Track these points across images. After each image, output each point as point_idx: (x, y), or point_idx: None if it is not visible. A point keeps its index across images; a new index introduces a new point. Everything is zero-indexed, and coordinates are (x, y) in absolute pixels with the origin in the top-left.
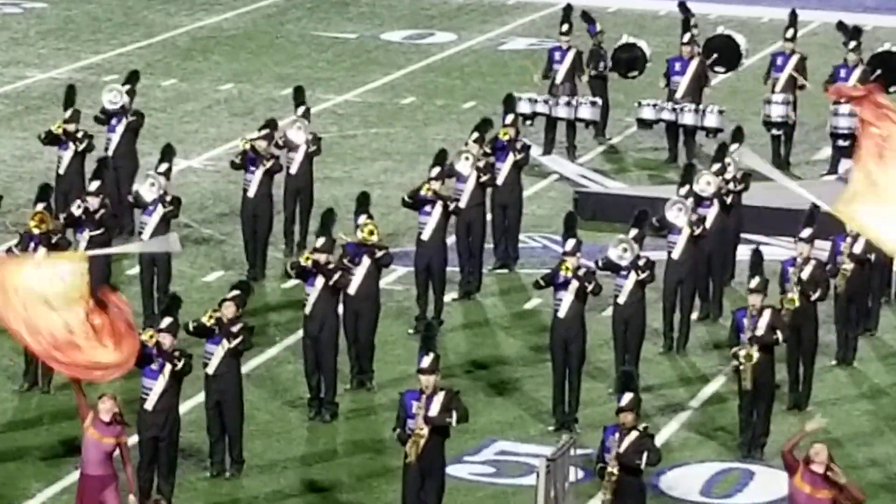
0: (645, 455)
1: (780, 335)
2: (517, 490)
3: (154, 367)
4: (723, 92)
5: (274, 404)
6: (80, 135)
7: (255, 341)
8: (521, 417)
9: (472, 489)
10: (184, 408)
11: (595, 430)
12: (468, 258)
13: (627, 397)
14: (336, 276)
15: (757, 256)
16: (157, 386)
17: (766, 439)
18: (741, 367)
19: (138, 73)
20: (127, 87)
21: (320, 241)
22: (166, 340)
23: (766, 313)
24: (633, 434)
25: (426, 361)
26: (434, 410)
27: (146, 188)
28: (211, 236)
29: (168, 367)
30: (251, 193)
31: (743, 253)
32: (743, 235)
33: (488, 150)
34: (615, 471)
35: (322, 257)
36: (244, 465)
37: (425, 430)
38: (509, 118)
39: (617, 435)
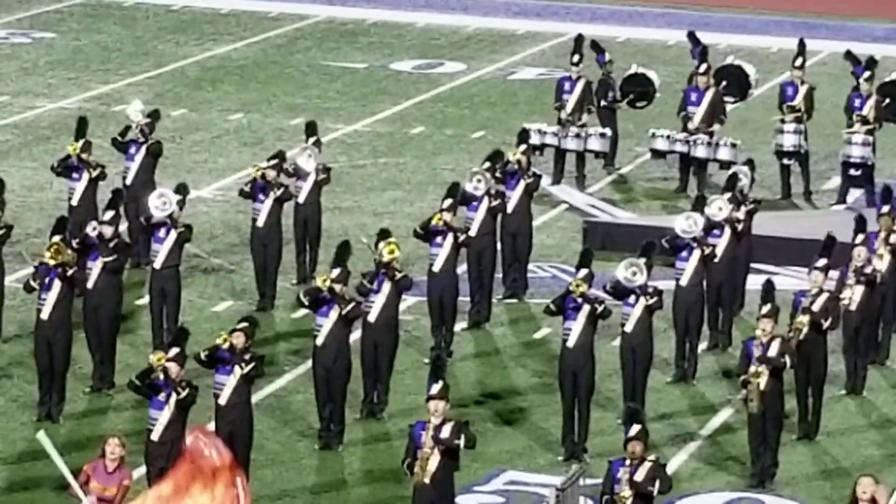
0: (657, 482)
1: (788, 360)
2: None
3: (161, 397)
4: (732, 122)
5: (283, 433)
6: (93, 163)
7: (265, 371)
8: (530, 447)
9: None
10: None
11: (605, 459)
12: (479, 288)
13: (635, 428)
14: (349, 307)
15: (769, 285)
16: (163, 417)
17: (776, 469)
18: (748, 388)
19: (159, 112)
20: (148, 120)
21: (335, 272)
22: (173, 369)
23: (776, 342)
24: (646, 465)
25: (435, 388)
26: (443, 435)
27: (156, 203)
28: (220, 266)
29: (173, 396)
30: (260, 223)
31: (753, 283)
32: (753, 265)
33: (499, 176)
34: (627, 493)
35: (337, 287)
36: None
37: (434, 450)
38: (521, 147)
39: (628, 465)
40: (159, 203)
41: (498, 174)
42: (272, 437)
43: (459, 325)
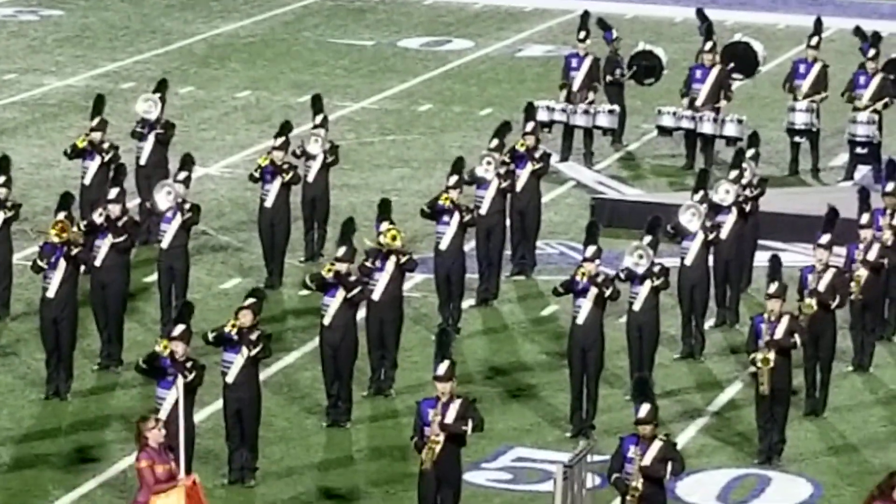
0: (669, 465)
1: (797, 339)
2: (534, 496)
3: (168, 377)
4: (739, 99)
5: (291, 410)
6: (105, 146)
7: (273, 348)
8: (538, 424)
9: (489, 496)
10: (201, 415)
11: (612, 436)
12: (487, 265)
13: (645, 409)
14: (355, 291)
15: (775, 262)
16: (171, 396)
17: (783, 445)
18: (758, 371)
19: (167, 82)
20: (158, 95)
21: (341, 251)
22: (179, 349)
23: (785, 319)
24: (657, 444)
25: (442, 369)
26: (450, 418)
27: (162, 196)
28: (228, 244)
29: (180, 378)
30: (269, 203)
31: (760, 259)
32: (760, 242)
33: (507, 160)
34: (639, 485)
35: (343, 267)
36: (257, 471)
37: (441, 437)
38: (529, 126)
39: (638, 446)
40: (165, 198)
41: (506, 159)
42: (280, 414)
43: (467, 302)
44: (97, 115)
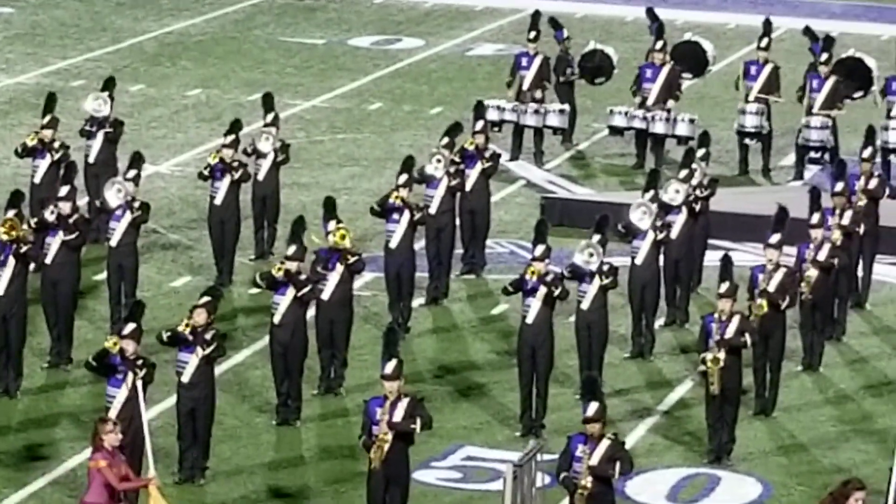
0: (618, 464)
1: (748, 338)
2: (484, 495)
3: (118, 375)
4: (689, 98)
5: (241, 409)
6: (56, 144)
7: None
8: (488, 423)
9: (438, 494)
10: (152, 413)
11: (562, 435)
12: (437, 264)
13: (593, 407)
14: (305, 290)
15: (727, 262)
16: (121, 394)
17: (732, 445)
18: (708, 371)
19: (114, 80)
20: (106, 93)
21: (291, 249)
22: (129, 347)
23: (735, 319)
24: (604, 443)
25: (389, 367)
26: (398, 416)
27: (112, 193)
28: (178, 242)
29: (130, 375)
30: (218, 201)
31: (710, 259)
32: (711, 241)
33: (456, 160)
34: (588, 484)
35: (293, 266)
36: (207, 470)
37: (389, 436)
38: (479, 125)
39: (586, 445)
40: (116, 195)
41: (456, 158)
42: (230, 412)
43: (417, 301)
44: (49, 112)
